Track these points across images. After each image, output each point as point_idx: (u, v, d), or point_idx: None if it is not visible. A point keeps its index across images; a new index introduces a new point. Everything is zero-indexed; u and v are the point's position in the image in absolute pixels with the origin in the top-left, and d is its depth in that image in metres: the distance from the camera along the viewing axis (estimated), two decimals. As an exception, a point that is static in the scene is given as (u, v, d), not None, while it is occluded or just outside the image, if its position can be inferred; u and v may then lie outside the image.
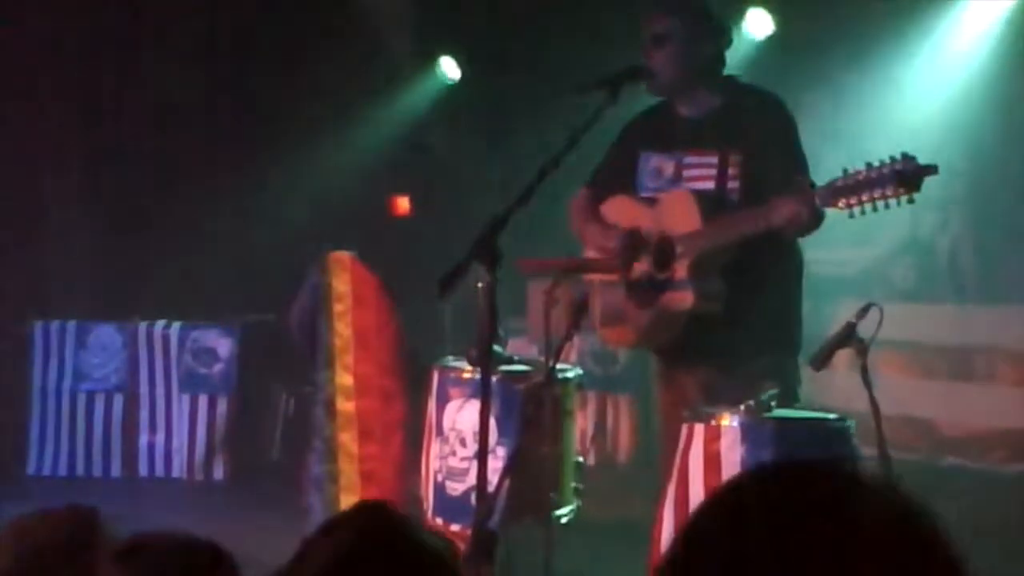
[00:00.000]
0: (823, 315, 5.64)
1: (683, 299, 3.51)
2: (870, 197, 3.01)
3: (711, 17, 3.71)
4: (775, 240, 3.41)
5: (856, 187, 3.04)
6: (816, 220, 3.28)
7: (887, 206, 3.01)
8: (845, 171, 3.09)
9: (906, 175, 2.96)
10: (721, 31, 3.72)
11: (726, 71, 3.77)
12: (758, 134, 3.52)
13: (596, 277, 3.79)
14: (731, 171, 3.53)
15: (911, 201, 3.00)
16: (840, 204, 3.09)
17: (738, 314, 3.51)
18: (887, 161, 2.99)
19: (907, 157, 2.97)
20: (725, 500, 0.98)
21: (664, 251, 3.56)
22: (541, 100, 6.70)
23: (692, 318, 3.53)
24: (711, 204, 3.50)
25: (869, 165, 3.03)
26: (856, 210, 3.06)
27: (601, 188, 3.84)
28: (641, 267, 3.64)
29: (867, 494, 0.94)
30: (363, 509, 1.44)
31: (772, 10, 6.68)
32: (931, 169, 2.97)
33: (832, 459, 1.04)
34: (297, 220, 7.66)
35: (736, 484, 1.00)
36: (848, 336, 3.15)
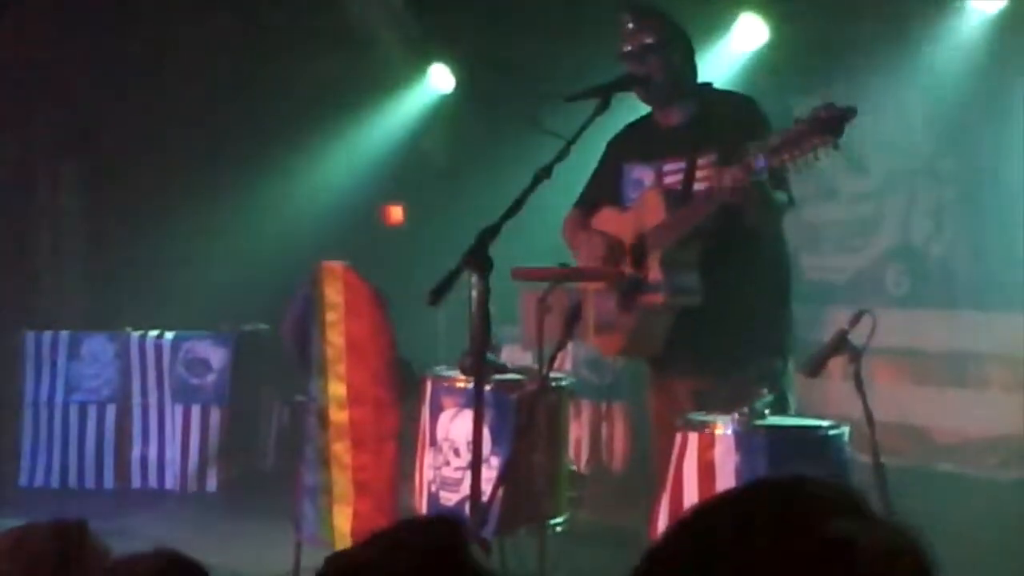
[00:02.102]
0: (816, 321, 5.65)
1: (657, 295, 3.52)
2: (801, 150, 3.07)
3: (683, 29, 3.79)
4: (753, 237, 3.44)
5: (785, 143, 3.10)
6: (753, 182, 3.26)
7: (816, 158, 3.07)
8: (775, 131, 3.17)
9: (827, 121, 3.02)
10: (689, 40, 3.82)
11: (714, 80, 3.87)
12: (731, 135, 3.54)
13: (589, 285, 3.79)
14: (700, 173, 3.57)
15: (836, 147, 3.05)
16: (775, 162, 3.14)
17: (728, 320, 3.52)
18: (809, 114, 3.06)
19: (827, 104, 3.04)
20: (731, 508, 0.96)
21: (639, 251, 3.59)
22: (533, 109, 6.70)
23: (677, 321, 3.53)
24: (678, 199, 3.54)
25: (797, 120, 3.09)
26: (790, 165, 3.13)
27: (590, 205, 3.89)
28: (627, 271, 3.65)
29: (869, 525, 0.93)
30: (433, 526, 1.34)
31: (766, 18, 6.70)
32: (849, 112, 3.03)
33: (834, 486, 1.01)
34: (290, 230, 7.65)
35: (741, 498, 0.99)
36: (841, 343, 3.15)
